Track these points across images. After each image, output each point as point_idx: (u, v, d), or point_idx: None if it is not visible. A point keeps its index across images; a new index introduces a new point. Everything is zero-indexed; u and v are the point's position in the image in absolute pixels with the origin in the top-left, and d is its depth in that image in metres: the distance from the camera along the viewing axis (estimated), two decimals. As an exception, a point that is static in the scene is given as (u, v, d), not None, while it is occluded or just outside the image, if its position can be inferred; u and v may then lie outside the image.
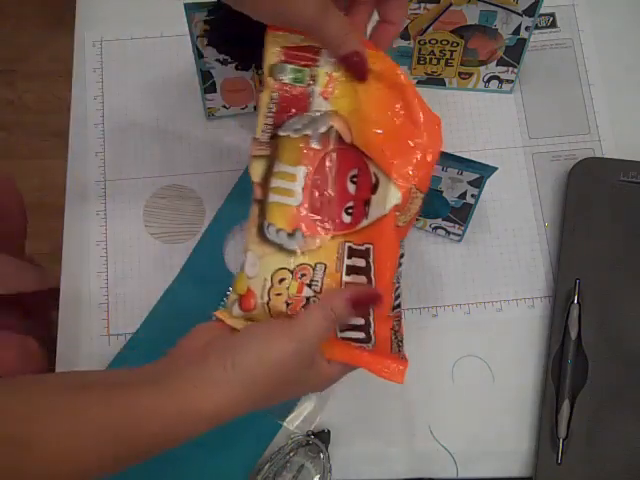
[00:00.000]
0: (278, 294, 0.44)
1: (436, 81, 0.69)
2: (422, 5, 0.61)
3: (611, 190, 0.64)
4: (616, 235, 0.63)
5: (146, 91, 0.70)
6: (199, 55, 0.61)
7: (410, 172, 0.43)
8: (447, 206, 0.61)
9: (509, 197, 0.67)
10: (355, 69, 0.45)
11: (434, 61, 0.67)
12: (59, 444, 0.37)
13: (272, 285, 0.44)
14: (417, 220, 0.65)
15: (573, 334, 0.60)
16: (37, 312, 0.79)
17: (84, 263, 0.65)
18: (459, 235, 0.64)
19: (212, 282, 0.64)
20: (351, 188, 0.44)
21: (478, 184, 0.57)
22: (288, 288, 0.44)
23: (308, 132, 0.44)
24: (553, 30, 0.72)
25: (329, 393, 0.61)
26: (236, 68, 0.62)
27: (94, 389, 0.39)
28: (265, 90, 0.44)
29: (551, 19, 0.72)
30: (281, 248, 0.44)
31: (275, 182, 0.44)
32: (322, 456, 0.58)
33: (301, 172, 0.44)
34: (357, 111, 0.44)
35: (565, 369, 0.60)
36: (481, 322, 0.64)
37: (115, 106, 0.70)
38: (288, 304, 0.44)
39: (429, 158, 0.44)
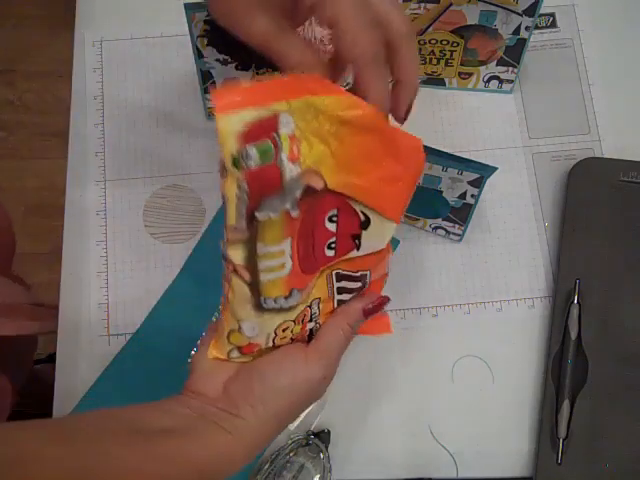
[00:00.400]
0: (283, 338, 0.45)
1: (436, 81, 0.69)
2: (422, 5, 0.61)
3: (611, 190, 0.64)
4: (616, 235, 0.63)
5: (146, 91, 0.70)
6: (199, 55, 0.61)
7: (402, 206, 0.44)
8: (447, 206, 0.61)
9: (509, 197, 0.67)
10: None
11: (434, 61, 0.67)
12: None
13: (276, 335, 0.44)
14: (417, 220, 0.65)
15: (573, 334, 0.60)
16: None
17: (84, 263, 0.65)
18: (459, 235, 0.64)
19: (212, 282, 0.64)
20: (331, 227, 0.43)
21: (478, 184, 0.57)
22: (292, 331, 0.45)
23: (286, 206, 0.38)
24: (553, 30, 0.72)
25: (329, 393, 0.61)
26: (236, 68, 0.62)
27: (139, 442, 0.39)
28: (229, 181, 0.37)
29: (551, 19, 0.72)
30: (281, 309, 0.43)
31: (263, 263, 0.41)
32: (322, 456, 0.58)
33: (287, 245, 0.41)
34: (329, 156, 0.40)
35: (565, 369, 0.60)
36: (481, 322, 0.64)
37: (115, 106, 0.70)
38: (293, 339, 0.45)
39: (414, 185, 0.44)
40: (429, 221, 0.64)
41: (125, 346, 0.62)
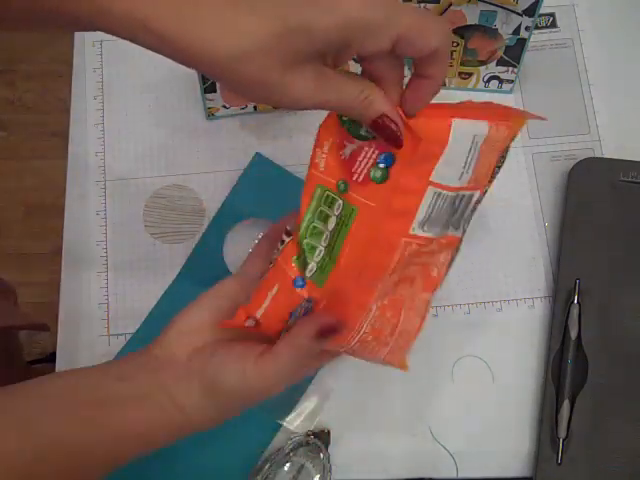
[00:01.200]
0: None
1: (436, 81, 0.69)
2: (422, 5, 0.61)
3: (611, 190, 0.64)
4: (616, 235, 0.63)
5: (146, 91, 0.70)
6: (199, 55, 0.60)
7: None
8: None
9: (509, 197, 0.67)
10: (385, 136, 0.38)
11: (434, 61, 0.67)
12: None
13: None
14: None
15: (573, 334, 0.60)
16: None
17: (84, 263, 0.65)
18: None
19: (212, 282, 0.64)
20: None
21: None
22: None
23: None
24: (553, 30, 0.72)
25: (329, 393, 0.61)
26: (236, 68, 0.62)
27: (85, 412, 0.41)
28: None
29: (551, 19, 0.72)
30: None
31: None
32: (322, 456, 0.58)
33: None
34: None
35: (565, 369, 0.60)
36: (481, 322, 0.64)
37: (115, 106, 0.70)
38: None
39: None
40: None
41: (125, 346, 0.62)
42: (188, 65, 0.35)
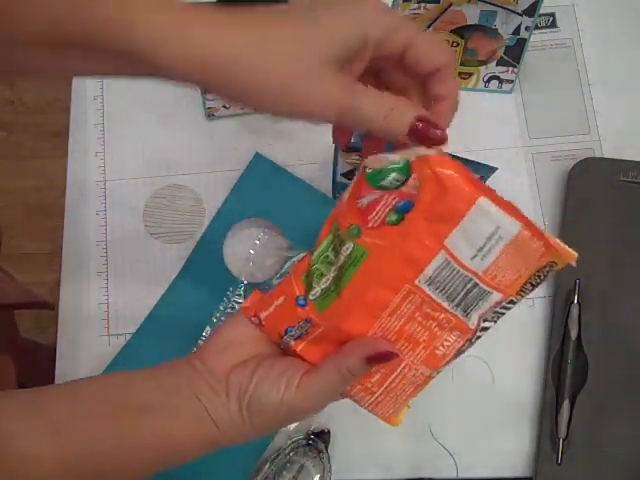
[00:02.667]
0: None
1: (436, 81, 0.69)
2: (422, 5, 0.61)
3: (611, 190, 0.64)
4: (616, 235, 0.63)
5: (146, 91, 0.70)
6: (199, 55, 0.60)
7: None
8: None
9: (509, 197, 0.66)
10: (426, 139, 0.39)
11: (434, 61, 0.67)
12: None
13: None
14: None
15: (573, 334, 0.60)
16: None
17: (84, 263, 0.65)
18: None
19: (212, 282, 0.64)
20: None
21: None
22: None
23: None
24: (553, 30, 0.72)
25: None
26: (236, 68, 0.62)
27: (114, 420, 0.41)
28: None
29: (551, 19, 0.72)
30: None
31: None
32: (322, 456, 0.58)
33: None
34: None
35: (565, 369, 0.60)
36: (481, 322, 0.63)
37: (115, 106, 0.70)
38: None
39: None
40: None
41: (125, 346, 0.62)
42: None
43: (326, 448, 0.58)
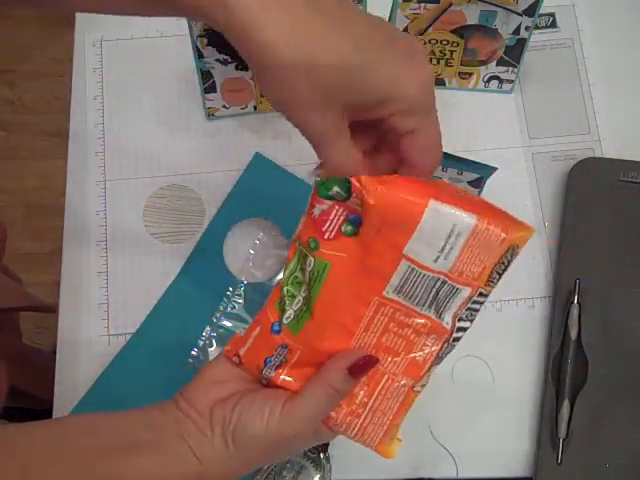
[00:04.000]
0: None
1: (436, 81, 0.69)
2: (422, 5, 0.61)
3: (611, 190, 0.64)
4: (616, 235, 0.63)
5: (146, 91, 0.70)
6: (199, 55, 0.61)
7: None
8: None
9: (509, 197, 0.67)
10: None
11: (434, 61, 0.67)
12: None
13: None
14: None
15: (573, 334, 0.60)
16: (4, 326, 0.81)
17: (84, 263, 0.65)
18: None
19: (212, 282, 0.64)
20: None
21: (478, 184, 0.57)
22: None
23: None
24: (553, 30, 0.72)
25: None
26: (236, 68, 0.62)
27: (91, 456, 0.40)
28: None
29: (551, 19, 0.72)
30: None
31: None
32: (322, 456, 0.58)
33: None
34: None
35: (565, 369, 0.60)
36: (481, 322, 0.63)
37: (115, 106, 0.70)
38: None
39: None
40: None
41: (125, 346, 0.62)
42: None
43: (326, 448, 0.58)
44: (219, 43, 0.59)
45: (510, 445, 0.60)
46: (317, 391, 0.42)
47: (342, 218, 0.41)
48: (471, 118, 0.69)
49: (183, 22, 0.57)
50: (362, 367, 0.42)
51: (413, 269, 0.41)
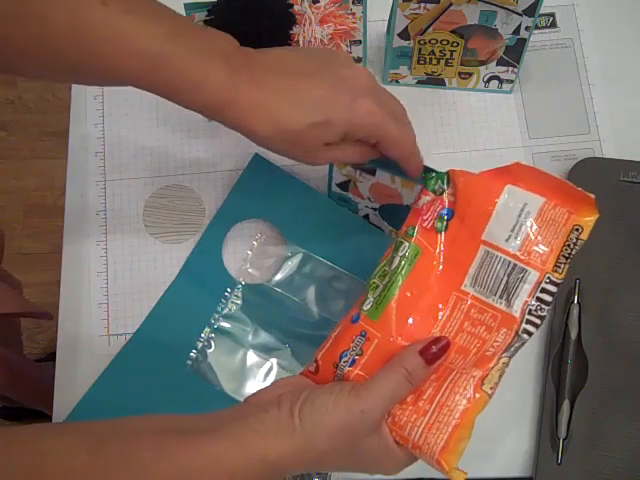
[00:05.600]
0: None
1: (436, 81, 0.69)
2: (422, 5, 0.61)
3: (611, 190, 0.64)
4: (616, 235, 0.63)
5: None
6: (199, 55, 0.60)
7: None
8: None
9: (509, 197, 0.67)
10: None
11: (434, 61, 0.67)
12: None
13: None
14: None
15: (573, 334, 0.60)
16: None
17: (84, 263, 0.65)
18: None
19: (211, 283, 0.64)
20: None
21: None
22: None
23: None
24: (553, 30, 0.72)
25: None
26: (236, 68, 0.62)
27: (157, 437, 0.39)
28: None
29: (551, 19, 0.72)
30: None
31: None
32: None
33: None
34: None
35: (565, 369, 0.60)
36: (481, 322, 0.63)
37: (115, 106, 0.70)
38: None
39: None
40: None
41: (125, 346, 0.62)
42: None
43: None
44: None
45: (510, 445, 0.60)
46: (389, 373, 0.42)
47: (438, 210, 0.47)
48: (471, 118, 0.69)
49: (183, 22, 0.57)
50: (434, 349, 0.43)
51: (488, 252, 0.45)
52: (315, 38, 0.59)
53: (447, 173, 0.47)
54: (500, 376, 0.43)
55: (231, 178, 0.67)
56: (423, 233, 0.46)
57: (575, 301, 0.61)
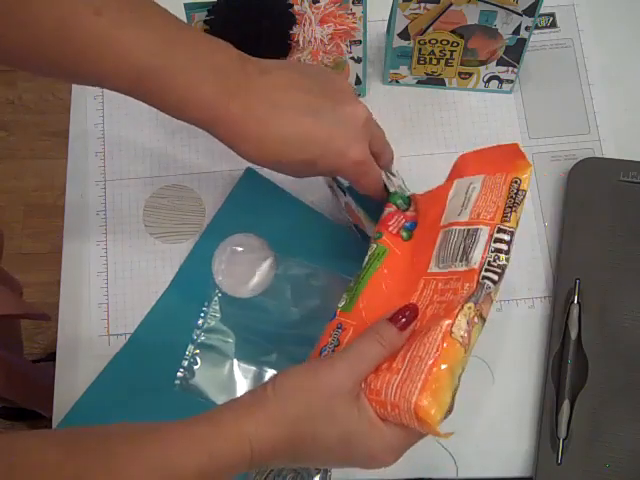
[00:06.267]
0: None
1: (436, 81, 0.69)
2: (422, 5, 0.61)
3: (611, 190, 0.64)
4: (616, 235, 0.63)
5: (146, 91, 0.70)
6: (199, 55, 0.60)
7: None
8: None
9: (509, 197, 0.67)
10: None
11: (434, 61, 0.67)
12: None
13: None
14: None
15: (573, 334, 0.60)
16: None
17: (84, 263, 0.65)
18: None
19: (197, 297, 0.63)
20: None
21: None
22: None
23: None
24: (553, 30, 0.72)
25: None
26: (236, 68, 0.62)
27: (133, 433, 0.40)
28: None
29: (551, 19, 0.72)
30: None
31: None
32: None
33: None
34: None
35: (565, 369, 0.60)
36: (481, 322, 0.63)
37: (115, 106, 0.70)
38: None
39: None
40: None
41: (125, 346, 0.62)
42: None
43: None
44: (219, 43, 0.59)
45: (510, 445, 0.60)
46: (360, 337, 0.43)
47: (402, 222, 0.54)
48: (471, 118, 0.69)
49: (183, 22, 0.57)
50: (403, 314, 0.44)
51: (446, 232, 0.49)
52: (315, 38, 0.59)
53: (407, 197, 0.55)
54: (469, 323, 0.44)
55: (231, 178, 0.67)
56: (389, 236, 0.52)
57: (575, 301, 0.61)
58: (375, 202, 0.55)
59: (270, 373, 0.61)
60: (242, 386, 0.60)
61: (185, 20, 0.57)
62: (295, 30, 0.58)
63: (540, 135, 0.69)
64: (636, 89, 0.70)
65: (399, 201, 0.55)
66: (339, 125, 0.49)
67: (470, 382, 0.61)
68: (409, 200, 0.55)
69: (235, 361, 0.61)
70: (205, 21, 0.57)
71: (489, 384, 0.62)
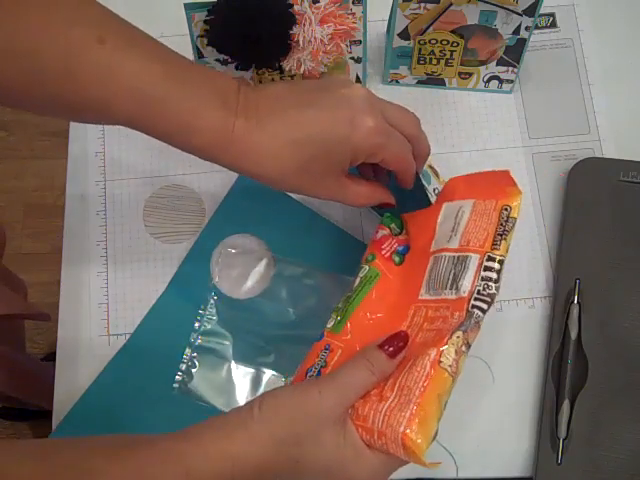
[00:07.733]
0: None
1: (436, 81, 0.69)
2: (422, 5, 0.61)
3: (611, 190, 0.64)
4: (616, 235, 0.63)
5: (146, 91, 0.70)
6: (199, 55, 0.61)
7: None
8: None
9: (509, 197, 0.67)
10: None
11: (434, 61, 0.67)
12: None
13: None
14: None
15: (573, 334, 0.60)
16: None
17: (84, 263, 0.65)
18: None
19: (194, 300, 0.63)
20: None
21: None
22: None
23: None
24: (553, 30, 0.72)
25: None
26: (236, 68, 0.62)
27: (110, 446, 0.40)
28: None
29: (551, 19, 0.72)
30: None
31: None
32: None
33: None
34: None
35: (565, 369, 0.60)
36: (481, 322, 0.63)
37: (115, 106, 0.70)
38: None
39: None
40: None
41: (124, 346, 0.62)
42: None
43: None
44: (219, 43, 0.59)
45: (510, 445, 0.60)
46: (350, 362, 0.43)
47: (394, 247, 0.54)
48: (471, 118, 0.69)
49: (183, 22, 0.57)
50: (393, 342, 0.44)
51: (436, 258, 0.49)
52: (315, 38, 0.58)
53: (400, 218, 0.55)
54: (457, 352, 0.44)
55: (231, 178, 0.67)
56: (381, 260, 0.53)
57: (575, 301, 0.61)
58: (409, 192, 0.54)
59: (268, 374, 0.61)
60: (241, 388, 0.60)
61: (185, 20, 0.57)
62: (295, 30, 0.58)
63: (540, 135, 0.69)
64: (636, 89, 0.70)
65: (392, 225, 0.55)
66: (340, 105, 0.48)
67: (470, 382, 0.62)
68: (401, 224, 0.55)
69: (233, 363, 0.61)
70: (205, 21, 0.57)
71: (489, 384, 0.62)
